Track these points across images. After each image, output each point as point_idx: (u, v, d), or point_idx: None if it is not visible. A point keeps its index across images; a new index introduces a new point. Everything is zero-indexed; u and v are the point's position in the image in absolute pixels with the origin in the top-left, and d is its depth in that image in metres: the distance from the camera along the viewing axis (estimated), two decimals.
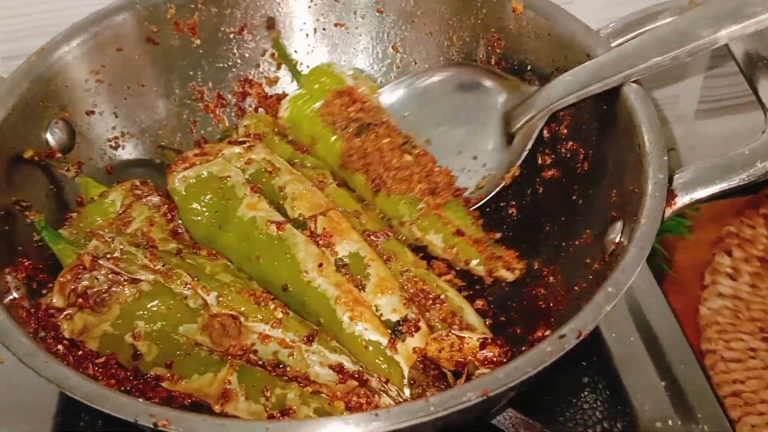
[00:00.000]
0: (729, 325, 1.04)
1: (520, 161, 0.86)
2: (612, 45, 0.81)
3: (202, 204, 0.82)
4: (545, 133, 0.86)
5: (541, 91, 0.83)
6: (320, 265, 0.77)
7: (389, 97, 0.96)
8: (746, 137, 0.72)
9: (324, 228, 0.79)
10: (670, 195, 0.70)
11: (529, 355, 0.61)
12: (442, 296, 0.79)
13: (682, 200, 0.69)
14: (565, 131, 0.84)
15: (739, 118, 1.25)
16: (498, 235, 0.87)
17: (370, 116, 0.92)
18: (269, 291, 0.78)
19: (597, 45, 0.80)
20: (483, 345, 0.72)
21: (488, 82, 0.91)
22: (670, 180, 0.70)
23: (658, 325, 0.90)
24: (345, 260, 0.78)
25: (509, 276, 0.83)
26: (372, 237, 0.83)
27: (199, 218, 0.82)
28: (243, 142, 0.88)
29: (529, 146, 0.85)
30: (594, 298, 0.63)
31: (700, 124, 1.21)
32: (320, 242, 0.78)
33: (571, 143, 0.84)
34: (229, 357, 0.73)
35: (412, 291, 0.79)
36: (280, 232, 0.78)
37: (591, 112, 0.81)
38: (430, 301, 0.78)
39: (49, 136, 0.85)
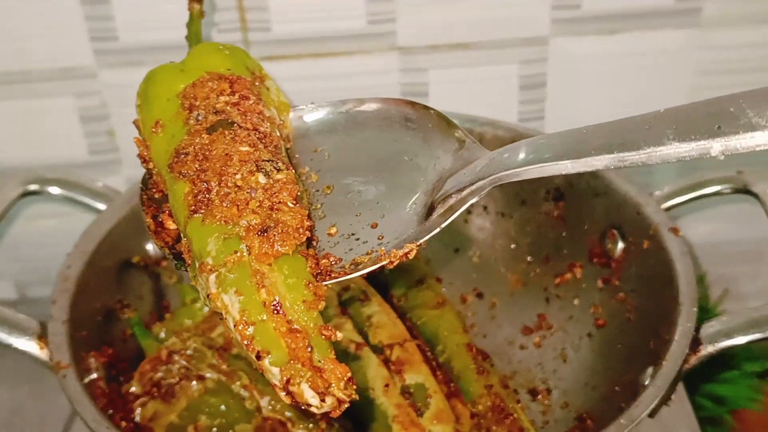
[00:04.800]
0: None
1: (424, 239, 0.60)
2: (661, 207, 0.87)
3: None
4: (599, 283, 0.91)
5: (489, 156, 0.61)
6: (386, 386, 0.83)
7: (309, 117, 0.70)
8: None
9: (398, 356, 0.86)
10: (697, 343, 0.74)
11: None
12: (515, 416, 0.83)
13: (706, 349, 0.73)
14: (617, 282, 0.89)
15: None
16: (340, 336, 0.53)
17: (242, 117, 0.63)
18: None
19: (647, 204, 0.86)
20: None
21: (437, 132, 0.66)
22: (698, 329, 0.74)
23: None
24: (410, 389, 0.84)
25: (312, 401, 0.51)
26: None
27: None
28: None
29: (444, 224, 0.60)
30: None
31: None
32: (392, 368, 0.85)
33: (621, 294, 0.88)
34: None
35: (489, 404, 0.83)
36: (357, 351, 0.86)
37: (638, 265, 0.86)
38: (503, 416, 0.83)
39: (150, 246, 0.95)
